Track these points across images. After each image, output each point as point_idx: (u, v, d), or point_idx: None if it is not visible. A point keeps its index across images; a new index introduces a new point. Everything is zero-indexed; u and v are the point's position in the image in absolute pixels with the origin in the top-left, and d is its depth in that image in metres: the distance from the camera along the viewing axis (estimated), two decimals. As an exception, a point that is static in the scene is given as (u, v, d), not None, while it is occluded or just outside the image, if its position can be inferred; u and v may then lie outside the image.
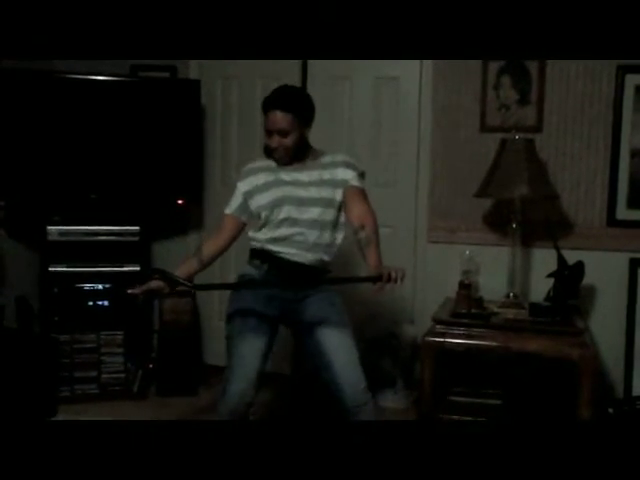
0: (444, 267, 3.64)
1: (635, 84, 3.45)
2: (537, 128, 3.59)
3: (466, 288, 3.34)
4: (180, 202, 4.04)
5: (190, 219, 4.35)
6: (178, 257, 4.27)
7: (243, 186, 2.72)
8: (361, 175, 2.71)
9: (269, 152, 2.69)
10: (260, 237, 2.68)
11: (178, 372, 3.92)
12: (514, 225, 3.38)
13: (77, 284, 3.79)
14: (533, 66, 3.58)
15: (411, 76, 3.84)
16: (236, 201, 2.74)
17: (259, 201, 2.67)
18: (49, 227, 3.75)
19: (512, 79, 3.64)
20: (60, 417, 3.51)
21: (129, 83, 3.99)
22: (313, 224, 2.63)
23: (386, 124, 3.93)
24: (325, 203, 2.64)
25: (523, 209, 3.40)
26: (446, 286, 3.55)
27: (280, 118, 2.57)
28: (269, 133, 2.63)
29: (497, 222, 3.64)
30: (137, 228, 3.87)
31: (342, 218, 2.68)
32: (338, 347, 2.55)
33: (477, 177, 3.47)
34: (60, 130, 3.80)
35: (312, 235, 2.62)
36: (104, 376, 3.82)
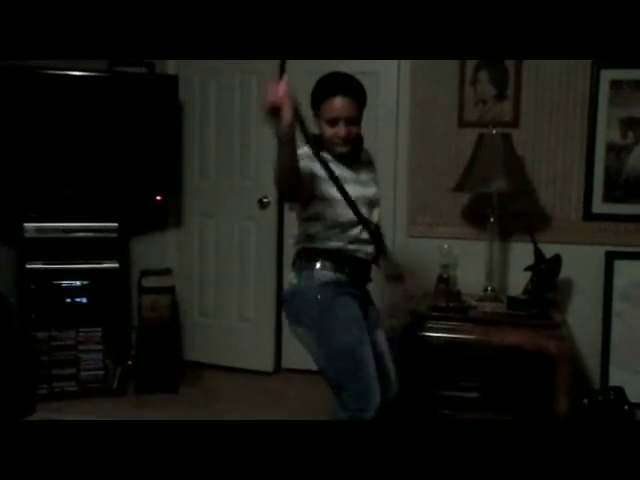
0: (423, 261, 3.65)
1: (610, 79, 3.49)
2: (514, 123, 3.62)
3: (445, 282, 3.35)
4: (158, 198, 4.02)
5: (168, 215, 4.33)
6: (157, 253, 4.28)
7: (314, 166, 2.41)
8: None
9: (327, 143, 2.47)
10: (334, 236, 2.48)
11: (157, 369, 3.89)
12: (492, 219, 3.41)
13: (55, 281, 3.76)
14: (510, 62, 3.61)
15: (389, 72, 3.85)
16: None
17: (331, 193, 2.42)
18: (26, 224, 3.72)
19: (489, 74, 3.66)
20: (38, 415, 3.49)
21: (106, 78, 3.95)
22: (375, 226, 2.60)
23: (364, 119, 3.93)
24: (378, 204, 2.62)
25: (500, 203, 3.43)
26: (425, 280, 3.57)
27: (349, 105, 2.41)
28: (333, 122, 2.42)
29: (475, 216, 3.67)
30: (115, 224, 3.84)
31: None
32: (387, 347, 2.61)
33: (455, 172, 3.50)
34: (36, 126, 3.75)
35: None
36: (83, 373, 3.79)
